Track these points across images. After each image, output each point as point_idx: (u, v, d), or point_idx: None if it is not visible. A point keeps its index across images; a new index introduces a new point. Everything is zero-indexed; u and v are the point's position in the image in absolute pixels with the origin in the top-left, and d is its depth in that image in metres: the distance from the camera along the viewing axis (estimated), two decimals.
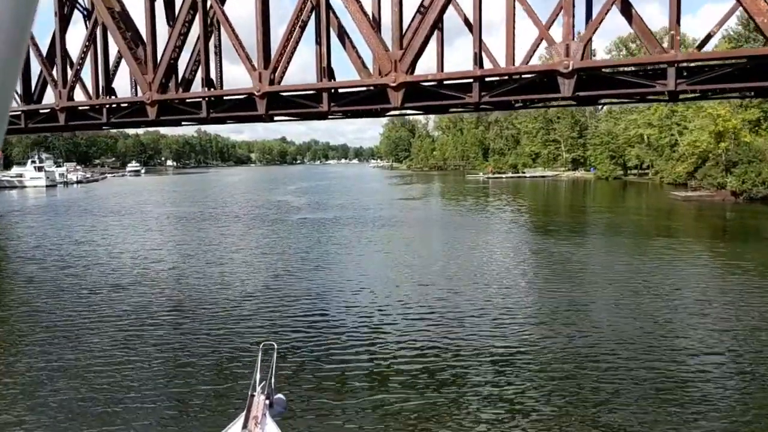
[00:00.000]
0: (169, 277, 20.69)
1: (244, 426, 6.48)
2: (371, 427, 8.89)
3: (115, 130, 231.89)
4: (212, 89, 25.04)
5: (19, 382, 10.63)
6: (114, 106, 27.40)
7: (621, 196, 57.69)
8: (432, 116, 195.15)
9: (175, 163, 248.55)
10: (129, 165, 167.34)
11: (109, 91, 27.07)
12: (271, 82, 23.01)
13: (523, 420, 9.03)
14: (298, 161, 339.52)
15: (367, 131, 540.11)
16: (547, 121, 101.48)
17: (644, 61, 17.20)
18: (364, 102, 21.97)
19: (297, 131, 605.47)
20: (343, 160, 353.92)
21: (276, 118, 28.13)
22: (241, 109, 24.56)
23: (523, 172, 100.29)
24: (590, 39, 18.35)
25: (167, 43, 24.37)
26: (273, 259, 23.87)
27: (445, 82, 20.92)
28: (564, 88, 18.21)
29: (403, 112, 24.85)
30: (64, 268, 22.65)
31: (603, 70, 18.41)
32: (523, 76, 19.33)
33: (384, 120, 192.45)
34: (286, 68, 22.97)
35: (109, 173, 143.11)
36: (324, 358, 11.79)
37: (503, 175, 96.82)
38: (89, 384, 10.39)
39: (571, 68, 17.86)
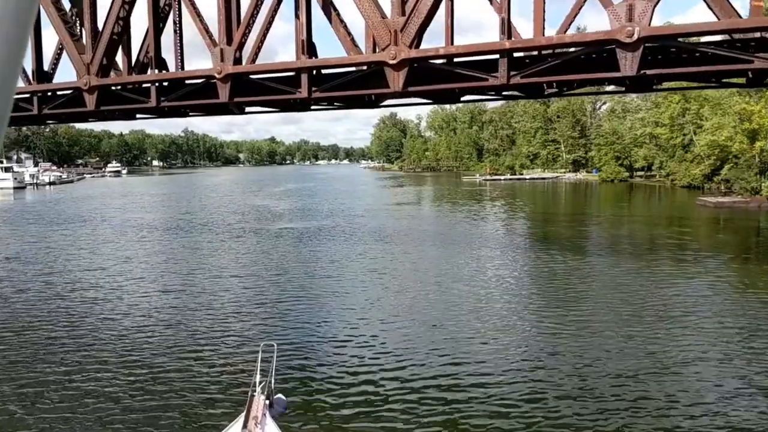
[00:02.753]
0: (87, 310, 15.71)
1: (244, 426, 6.50)
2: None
3: (100, 129, 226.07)
4: (165, 72, 20.10)
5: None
6: (49, 94, 22.41)
7: (638, 201, 52.35)
8: (424, 116, 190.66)
9: (161, 163, 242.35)
10: (109, 165, 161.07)
11: (42, 76, 21.94)
12: (237, 62, 18.13)
13: None
14: (288, 161, 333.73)
15: (357, 132, 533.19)
16: (546, 120, 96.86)
17: (742, 25, 12.39)
18: (355, 86, 17.08)
19: (287, 132, 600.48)
20: (333, 161, 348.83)
21: (247, 109, 23.23)
22: (201, 96, 19.64)
23: (521, 174, 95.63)
24: None
25: (108, 13, 19.41)
26: (237, 283, 18.94)
27: (460, 60, 16.11)
28: (625, 65, 13.46)
29: (405, 101, 19.97)
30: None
31: (680, 39, 13.58)
32: (568, 50, 14.50)
33: (375, 120, 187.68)
34: (260, 46, 18.17)
35: (87, 173, 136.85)
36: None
37: (501, 177, 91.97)
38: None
39: (636, 36, 13.14)
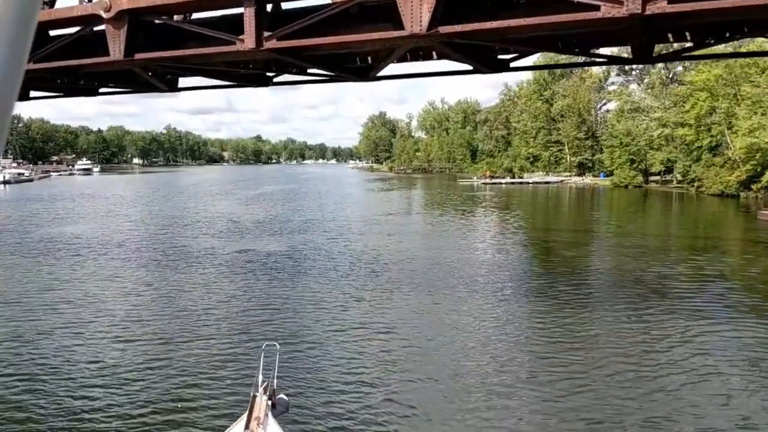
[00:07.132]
0: None
1: (247, 426, 6.47)
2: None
3: (76, 125, 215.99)
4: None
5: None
6: None
7: (672, 214, 44.32)
8: (415, 114, 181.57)
9: (142, 161, 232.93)
10: (79, 162, 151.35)
11: None
12: None
13: None
14: (274, 161, 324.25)
15: (346, 131, 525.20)
16: (549, 120, 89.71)
17: None
18: (339, 28, 9.59)
19: (276, 131, 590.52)
20: (320, 160, 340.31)
21: (181, 83, 15.69)
22: (86, 53, 12.05)
23: (521, 177, 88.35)
24: None
25: None
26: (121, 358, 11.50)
27: None
28: None
29: (420, 69, 12.43)
30: None
31: None
32: None
33: (363, 119, 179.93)
34: None
35: (54, 171, 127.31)
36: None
37: (502, 181, 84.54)
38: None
39: None
